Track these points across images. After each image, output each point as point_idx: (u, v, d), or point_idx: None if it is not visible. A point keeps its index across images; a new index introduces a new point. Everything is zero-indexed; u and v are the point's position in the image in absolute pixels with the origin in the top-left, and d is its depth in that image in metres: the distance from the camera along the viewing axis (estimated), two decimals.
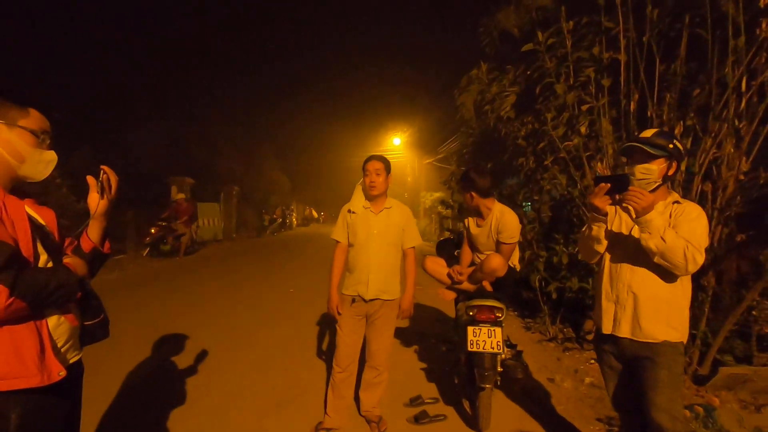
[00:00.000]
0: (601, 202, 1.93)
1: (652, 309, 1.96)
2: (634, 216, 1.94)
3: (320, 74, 65.58)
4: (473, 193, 2.96)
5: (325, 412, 2.82)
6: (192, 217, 12.32)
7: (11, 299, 1.13)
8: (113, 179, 1.44)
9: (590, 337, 4.54)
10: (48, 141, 1.39)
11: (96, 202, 1.43)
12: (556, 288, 4.57)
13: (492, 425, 2.75)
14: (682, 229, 1.88)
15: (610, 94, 3.85)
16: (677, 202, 2.01)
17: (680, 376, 1.98)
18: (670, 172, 2.01)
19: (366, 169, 2.74)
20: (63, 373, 1.29)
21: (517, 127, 4.73)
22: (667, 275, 1.93)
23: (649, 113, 3.70)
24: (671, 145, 1.94)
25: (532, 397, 3.31)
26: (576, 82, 3.92)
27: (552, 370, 3.88)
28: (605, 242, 2.10)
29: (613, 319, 2.07)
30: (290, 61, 56.18)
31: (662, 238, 1.84)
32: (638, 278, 2.00)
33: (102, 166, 1.42)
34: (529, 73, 4.22)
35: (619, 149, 2.30)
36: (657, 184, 1.99)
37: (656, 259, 1.87)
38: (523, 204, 5.82)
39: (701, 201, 3.34)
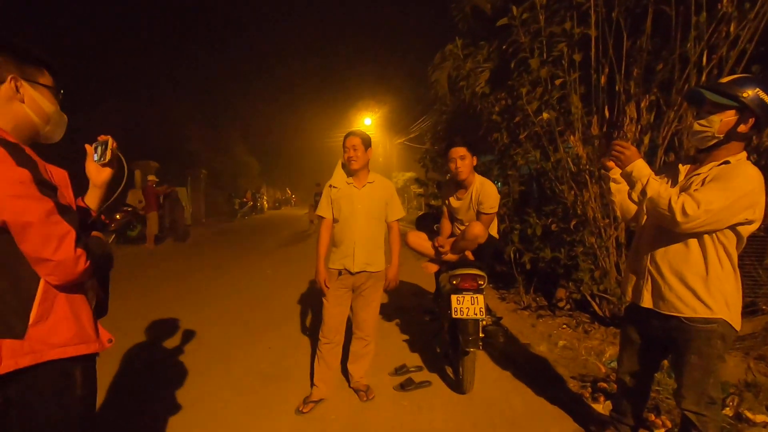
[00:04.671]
0: (604, 158, 1.92)
1: (676, 280, 1.79)
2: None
3: (288, 53, 63.54)
4: (466, 150, 2.92)
5: (313, 384, 2.88)
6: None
7: (89, 262, 1.13)
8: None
9: (562, 304, 4.79)
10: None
11: (95, 170, 1.36)
12: (530, 259, 4.76)
13: (474, 387, 2.90)
14: (708, 185, 1.65)
15: (581, 69, 3.96)
16: (727, 162, 1.69)
17: (714, 360, 1.76)
18: (741, 128, 1.65)
19: (345, 146, 2.76)
20: (113, 340, 1.31)
21: (492, 103, 4.80)
22: (688, 241, 1.75)
23: (617, 87, 3.84)
24: (746, 94, 1.60)
25: (510, 360, 3.48)
26: (549, 56, 4.01)
27: (527, 335, 4.08)
28: (627, 203, 1.97)
29: (635, 287, 1.97)
30: (256, 40, 54.05)
31: (644, 189, 1.72)
32: (661, 247, 1.84)
33: (105, 137, 1.36)
34: (504, 47, 4.27)
35: (684, 95, 2.07)
36: (716, 140, 1.69)
37: (648, 212, 1.77)
38: (495, 182, 5.98)
39: None
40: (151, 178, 11.00)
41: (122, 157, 1.40)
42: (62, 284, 1.13)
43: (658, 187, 1.70)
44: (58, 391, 1.14)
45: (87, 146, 1.36)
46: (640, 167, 1.77)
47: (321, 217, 2.87)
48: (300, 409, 2.75)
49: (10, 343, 1.04)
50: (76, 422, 1.18)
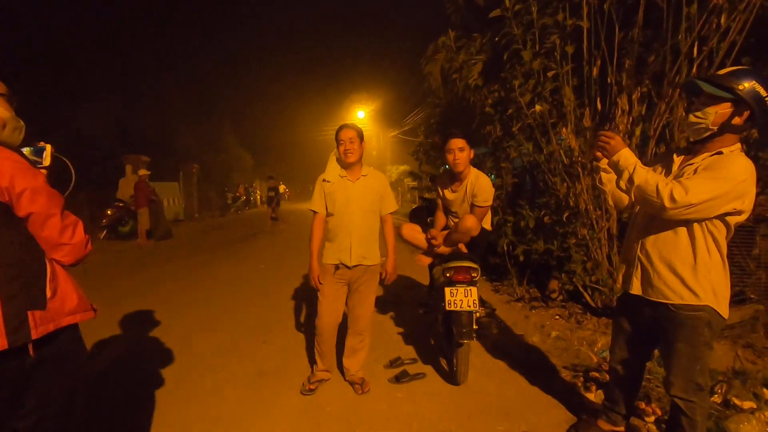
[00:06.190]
0: (592, 148, 1.94)
1: (664, 268, 1.81)
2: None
3: (280, 47, 62.89)
4: (465, 142, 2.92)
5: (312, 371, 2.95)
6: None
7: (88, 236, 1.45)
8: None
9: (554, 295, 4.84)
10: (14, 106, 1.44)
11: None
12: (523, 251, 4.79)
13: (468, 378, 2.93)
14: (699, 174, 1.67)
15: (573, 61, 3.96)
16: (719, 152, 1.69)
17: (702, 347, 1.78)
18: (736, 121, 1.65)
19: (340, 139, 2.73)
20: (97, 309, 1.51)
21: (485, 95, 4.80)
22: (677, 230, 1.76)
23: (609, 79, 3.85)
24: (742, 87, 1.59)
25: (504, 351, 3.51)
26: (542, 48, 4.00)
27: (520, 326, 4.12)
28: (618, 193, 1.98)
29: (625, 274, 2.01)
30: (248, 33, 53.37)
31: (631, 177, 1.73)
32: (651, 235, 1.86)
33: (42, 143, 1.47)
34: (497, 39, 4.25)
35: (682, 85, 2.07)
36: (710, 132, 1.69)
37: (636, 200, 1.79)
38: (489, 174, 6.00)
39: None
40: (143, 172, 10.69)
41: (66, 160, 1.52)
42: (73, 263, 1.41)
43: (645, 175, 1.72)
44: (75, 350, 1.45)
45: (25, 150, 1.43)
46: (626, 156, 1.78)
47: (314, 212, 2.85)
48: (305, 387, 2.86)
49: (40, 313, 1.29)
50: (85, 374, 1.54)
